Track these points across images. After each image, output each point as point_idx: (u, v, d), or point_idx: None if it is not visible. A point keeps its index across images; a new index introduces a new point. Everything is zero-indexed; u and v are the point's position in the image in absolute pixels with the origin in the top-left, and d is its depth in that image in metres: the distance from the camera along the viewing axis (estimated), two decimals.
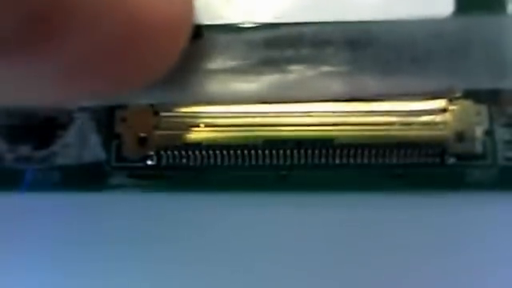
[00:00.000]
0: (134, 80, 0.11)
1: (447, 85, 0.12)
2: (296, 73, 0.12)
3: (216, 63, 0.12)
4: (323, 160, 0.14)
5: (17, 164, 0.15)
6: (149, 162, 0.14)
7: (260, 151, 0.14)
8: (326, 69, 0.12)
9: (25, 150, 0.15)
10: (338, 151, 0.14)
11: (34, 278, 0.14)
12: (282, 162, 0.14)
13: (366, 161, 0.14)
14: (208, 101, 0.13)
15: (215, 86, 0.12)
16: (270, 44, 0.12)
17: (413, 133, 0.14)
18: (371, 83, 0.12)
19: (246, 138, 0.14)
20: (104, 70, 0.10)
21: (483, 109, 0.14)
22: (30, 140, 0.15)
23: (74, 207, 0.15)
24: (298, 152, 0.14)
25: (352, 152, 0.14)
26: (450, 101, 0.14)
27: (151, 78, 0.11)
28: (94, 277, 0.14)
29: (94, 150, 0.15)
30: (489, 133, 0.14)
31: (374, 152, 0.14)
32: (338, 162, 0.14)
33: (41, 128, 0.15)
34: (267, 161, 0.14)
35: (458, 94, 0.14)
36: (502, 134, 0.14)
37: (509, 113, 0.14)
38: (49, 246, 0.14)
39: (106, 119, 0.14)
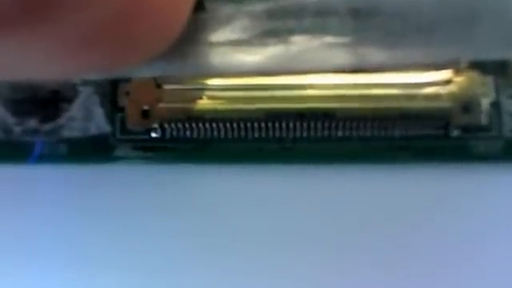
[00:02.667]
0: (136, 53, 0.10)
1: (453, 55, 0.11)
2: (299, 44, 0.11)
3: (218, 35, 0.11)
4: (326, 132, 0.13)
5: (25, 137, 0.14)
6: (153, 135, 0.13)
7: (263, 124, 0.13)
8: (329, 39, 0.11)
9: (32, 123, 0.14)
10: (340, 123, 0.13)
11: (41, 248, 0.14)
12: (284, 134, 0.13)
13: (368, 133, 0.13)
14: (210, 73, 0.13)
15: (218, 58, 0.12)
16: (272, 15, 0.11)
17: (417, 105, 0.13)
18: (375, 54, 0.11)
19: (249, 110, 0.13)
20: (105, 44, 0.09)
21: (489, 80, 0.13)
22: (37, 113, 0.14)
23: (81, 179, 0.14)
24: (301, 124, 0.13)
25: (355, 124, 0.13)
26: (456, 72, 0.13)
27: (153, 51, 0.10)
28: (100, 246, 0.13)
29: (99, 123, 0.14)
30: (495, 104, 0.13)
31: (376, 124, 0.13)
32: (340, 134, 0.13)
33: (46, 101, 0.14)
34: (270, 133, 0.13)
35: (463, 65, 0.13)
36: (508, 105, 0.13)
37: None
38: (56, 217, 0.14)
39: (110, 92, 0.14)
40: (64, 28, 0.08)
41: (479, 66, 0.13)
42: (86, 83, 0.14)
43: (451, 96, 0.13)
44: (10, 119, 0.14)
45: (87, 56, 0.09)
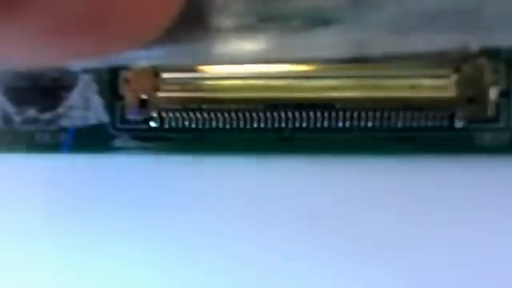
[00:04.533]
0: (122, 41, 0.09)
1: (460, 42, 0.10)
2: (296, 31, 0.10)
3: (215, 22, 0.11)
4: (325, 123, 0.12)
5: (24, 126, 0.14)
6: (152, 124, 0.13)
7: (261, 113, 0.12)
8: (327, 26, 0.10)
9: (31, 112, 0.14)
10: (340, 114, 0.12)
11: (41, 235, 0.13)
12: (283, 124, 0.12)
13: (370, 124, 0.12)
14: (207, 60, 0.12)
15: (214, 44, 0.11)
16: (268, 0, 0.10)
17: (421, 94, 0.12)
18: (376, 41, 0.10)
19: (248, 100, 0.12)
20: (87, 32, 0.08)
21: (501, 67, 0.12)
22: (36, 102, 0.14)
23: (81, 168, 0.13)
24: (300, 114, 0.12)
25: (355, 115, 0.12)
26: (463, 59, 0.12)
27: (142, 39, 0.09)
28: (100, 234, 0.13)
29: (97, 112, 0.13)
30: (505, 94, 0.12)
31: (379, 115, 0.12)
32: (340, 124, 0.12)
33: (46, 90, 0.14)
34: (269, 123, 0.12)
35: (472, 52, 0.11)
36: None
37: None
38: (57, 205, 0.13)
39: (110, 81, 0.13)
40: (40, 16, 0.08)
41: (489, 54, 0.12)
42: (85, 71, 0.13)
43: (457, 85, 0.12)
44: (10, 108, 0.14)
45: (68, 43, 0.09)
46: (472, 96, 0.12)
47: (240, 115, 0.12)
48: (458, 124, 0.12)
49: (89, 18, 0.08)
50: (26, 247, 0.13)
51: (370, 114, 0.12)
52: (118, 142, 0.13)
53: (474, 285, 0.12)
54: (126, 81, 0.13)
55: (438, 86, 0.12)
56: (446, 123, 0.12)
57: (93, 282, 0.13)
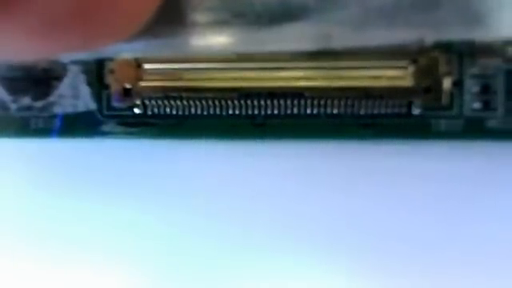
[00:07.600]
0: (105, 36, 0.09)
1: (416, 36, 0.11)
2: (266, 25, 0.11)
3: (190, 17, 0.11)
4: (295, 110, 0.13)
5: (20, 113, 0.14)
6: (136, 111, 0.13)
7: (236, 102, 0.13)
8: (295, 21, 0.10)
9: (25, 100, 0.14)
10: (309, 102, 0.12)
11: (34, 218, 0.14)
12: (256, 111, 0.13)
13: (335, 111, 0.13)
14: (183, 53, 0.12)
15: (190, 38, 0.11)
16: None
17: (381, 84, 0.12)
18: (340, 36, 0.10)
19: (223, 89, 0.13)
20: (72, 27, 0.09)
21: (454, 59, 0.12)
22: (30, 91, 0.14)
23: (72, 151, 0.14)
24: (272, 103, 0.13)
25: (322, 103, 0.12)
26: (419, 52, 0.12)
27: (129, 32, 0.10)
28: (89, 213, 0.13)
29: (85, 100, 0.14)
30: (457, 83, 0.12)
31: (343, 103, 0.12)
32: (309, 112, 0.13)
33: (38, 79, 0.14)
34: (243, 111, 0.13)
35: (427, 45, 0.12)
36: (470, 85, 0.12)
37: (480, 64, 0.12)
38: (49, 185, 0.14)
39: (97, 71, 0.13)
40: (32, 14, 0.08)
41: (444, 46, 0.12)
42: (74, 62, 0.14)
43: (414, 76, 0.12)
44: (7, 97, 0.14)
45: (57, 40, 0.09)
46: (428, 85, 0.12)
47: (216, 103, 0.13)
48: (416, 111, 0.12)
49: (76, 15, 0.08)
50: (16, 225, 0.14)
51: (336, 102, 0.12)
52: (105, 128, 0.14)
53: (437, 265, 0.12)
54: (111, 71, 0.13)
55: (396, 77, 0.12)
56: (404, 110, 0.12)
57: (82, 262, 0.13)
